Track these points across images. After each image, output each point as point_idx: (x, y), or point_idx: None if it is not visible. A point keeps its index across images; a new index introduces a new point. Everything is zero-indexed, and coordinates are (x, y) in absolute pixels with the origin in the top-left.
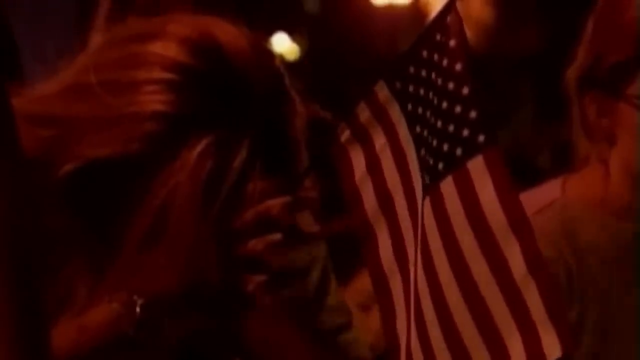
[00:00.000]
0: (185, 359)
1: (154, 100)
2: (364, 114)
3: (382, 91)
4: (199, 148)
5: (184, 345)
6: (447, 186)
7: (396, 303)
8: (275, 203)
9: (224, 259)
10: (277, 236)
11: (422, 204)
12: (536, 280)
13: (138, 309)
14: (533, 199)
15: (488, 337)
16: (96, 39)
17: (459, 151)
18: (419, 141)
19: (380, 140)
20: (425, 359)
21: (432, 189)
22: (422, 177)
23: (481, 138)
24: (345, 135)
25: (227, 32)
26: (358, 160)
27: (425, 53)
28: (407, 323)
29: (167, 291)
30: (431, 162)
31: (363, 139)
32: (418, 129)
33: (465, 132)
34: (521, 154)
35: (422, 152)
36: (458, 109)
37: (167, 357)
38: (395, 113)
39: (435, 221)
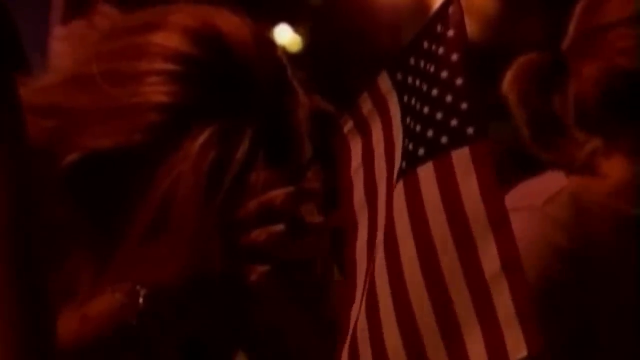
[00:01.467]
0: (189, 350)
1: (156, 91)
2: (366, 104)
3: (384, 82)
4: (202, 139)
5: (187, 336)
6: (426, 171)
7: (357, 290)
8: (278, 194)
9: (226, 250)
10: (280, 227)
11: (394, 189)
12: (509, 280)
13: (141, 299)
14: (540, 187)
15: (447, 333)
16: (58, 31)
17: (444, 139)
18: (406, 132)
19: (377, 132)
20: (373, 347)
21: (407, 174)
22: (400, 164)
23: (470, 130)
24: (348, 126)
25: (230, 22)
26: (356, 152)
27: (425, 44)
28: (358, 308)
29: (170, 282)
30: (411, 147)
31: (363, 130)
32: (408, 119)
33: (454, 122)
34: (523, 146)
35: (406, 141)
36: (449, 98)
37: (170, 348)
38: (394, 104)
39: (406, 205)
